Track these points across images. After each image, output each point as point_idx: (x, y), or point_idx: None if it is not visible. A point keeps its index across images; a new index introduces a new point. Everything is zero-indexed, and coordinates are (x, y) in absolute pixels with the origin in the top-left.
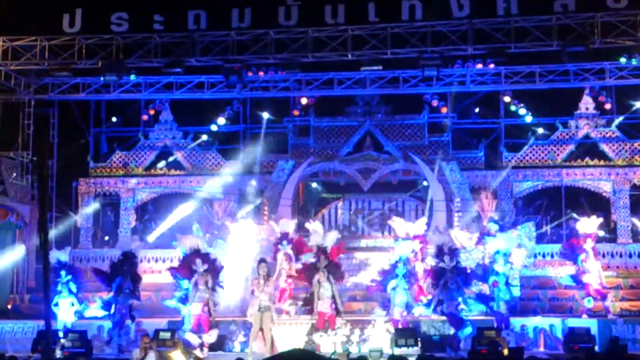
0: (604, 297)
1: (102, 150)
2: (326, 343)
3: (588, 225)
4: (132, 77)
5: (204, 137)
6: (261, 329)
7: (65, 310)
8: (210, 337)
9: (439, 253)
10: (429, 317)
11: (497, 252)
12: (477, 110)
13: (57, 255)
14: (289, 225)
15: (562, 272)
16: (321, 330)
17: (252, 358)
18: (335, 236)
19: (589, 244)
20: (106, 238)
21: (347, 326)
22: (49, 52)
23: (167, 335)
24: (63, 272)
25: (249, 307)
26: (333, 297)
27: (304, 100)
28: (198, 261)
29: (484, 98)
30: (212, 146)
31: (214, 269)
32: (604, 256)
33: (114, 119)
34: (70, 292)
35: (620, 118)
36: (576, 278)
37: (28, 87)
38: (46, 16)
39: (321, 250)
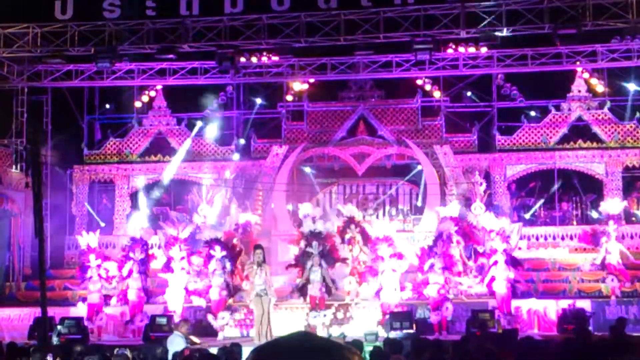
0: (626, 278)
1: (96, 137)
2: (317, 325)
3: (611, 207)
4: (125, 63)
5: (200, 123)
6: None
7: (95, 295)
8: (223, 320)
9: (437, 238)
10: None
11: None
12: (469, 93)
13: (87, 240)
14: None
15: (555, 254)
16: (312, 311)
17: (257, 341)
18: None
19: (611, 226)
20: (102, 224)
21: (336, 308)
22: (42, 39)
23: (164, 321)
24: (92, 257)
25: (247, 293)
26: (324, 280)
27: (297, 86)
28: (217, 247)
29: (477, 81)
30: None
31: (231, 255)
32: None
33: (107, 106)
34: (100, 277)
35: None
36: (601, 262)
37: (21, 75)
38: (38, 3)
39: (314, 236)
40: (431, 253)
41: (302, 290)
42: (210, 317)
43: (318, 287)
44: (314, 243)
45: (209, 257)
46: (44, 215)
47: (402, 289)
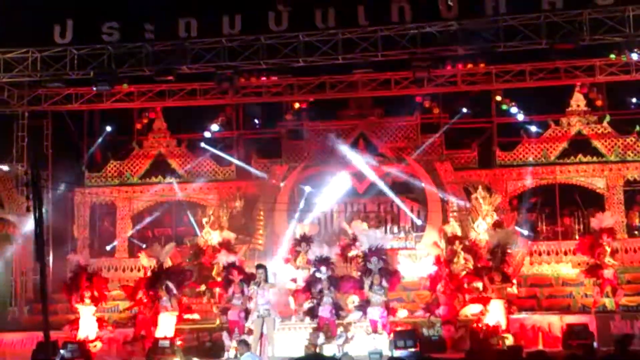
0: (618, 294)
1: (96, 160)
2: (328, 349)
3: (604, 220)
4: (125, 86)
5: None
6: (262, 335)
7: (89, 320)
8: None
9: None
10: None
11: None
12: (464, 110)
13: (78, 258)
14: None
15: (558, 269)
16: (321, 331)
17: None
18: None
19: (605, 239)
20: (108, 248)
21: (342, 330)
22: (41, 63)
23: (166, 343)
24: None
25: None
26: (333, 303)
27: (296, 105)
28: (235, 272)
29: (476, 97)
30: (207, 152)
31: (248, 279)
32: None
33: (107, 128)
34: (94, 299)
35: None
36: (589, 271)
37: (21, 99)
38: (37, 28)
39: (321, 262)
40: (439, 276)
41: (311, 313)
42: (225, 335)
43: (329, 310)
44: (322, 268)
45: (228, 282)
46: (45, 239)
47: (393, 311)
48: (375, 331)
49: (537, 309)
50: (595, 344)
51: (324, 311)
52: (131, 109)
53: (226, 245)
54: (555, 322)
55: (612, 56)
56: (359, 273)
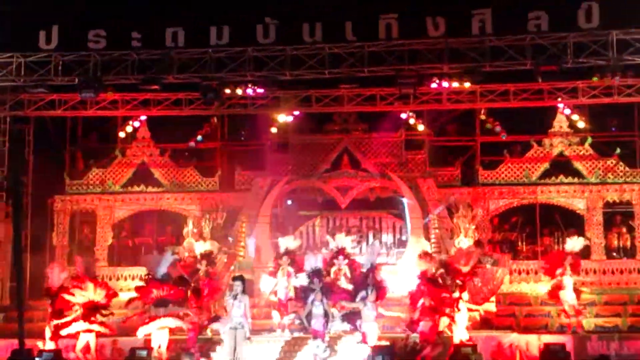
0: (578, 313)
1: (78, 167)
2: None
3: (574, 243)
4: (109, 93)
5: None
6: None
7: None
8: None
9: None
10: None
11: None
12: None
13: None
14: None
15: (537, 288)
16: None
17: None
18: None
19: (567, 260)
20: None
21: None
22: (25, 68)
23: (144, 353)
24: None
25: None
26: (325, 315)
27: (281, 118)
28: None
29: (460, 116)
30: (190, 163)
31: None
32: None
33: (90, 136)
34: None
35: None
36: (551, 293)
37: (3, 104)
38: (22, 33)
39: (315, 273)
40: (421, 292)
41: (303, 325)
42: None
43: (321, 322)
44: (316, 280)
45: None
46: (23, 245)
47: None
48: (364, 342)
49: (515, 327)
50: None
51: (317, 324)
52: (115, 117)
53: (207, 257)
54: (532, 342)
55: (595, 79)
56: (351, 286)
